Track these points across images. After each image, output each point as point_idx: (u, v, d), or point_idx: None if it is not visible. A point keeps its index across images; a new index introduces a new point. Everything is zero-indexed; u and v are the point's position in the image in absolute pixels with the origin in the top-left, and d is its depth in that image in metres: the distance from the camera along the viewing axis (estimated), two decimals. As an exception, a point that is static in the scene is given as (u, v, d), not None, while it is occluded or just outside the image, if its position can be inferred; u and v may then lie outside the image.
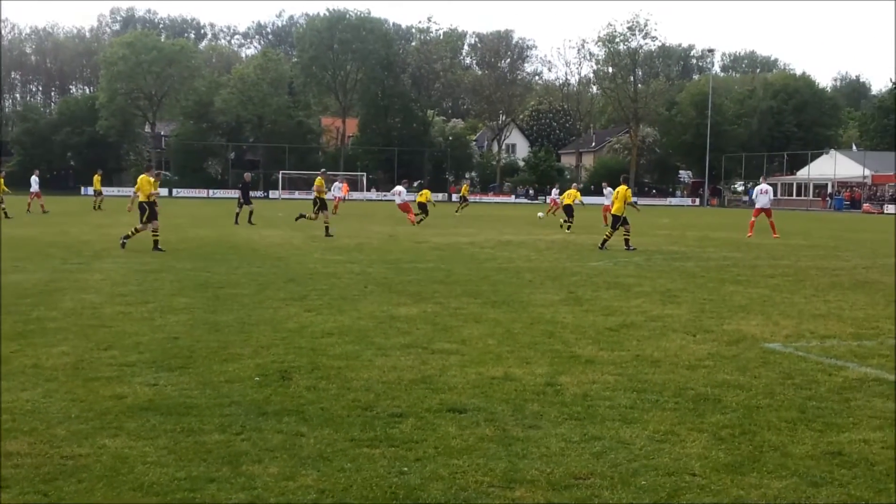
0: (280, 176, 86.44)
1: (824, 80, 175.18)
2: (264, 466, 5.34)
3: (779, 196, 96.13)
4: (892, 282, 16.24)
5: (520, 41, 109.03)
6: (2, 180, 35.34)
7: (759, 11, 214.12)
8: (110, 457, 5.46)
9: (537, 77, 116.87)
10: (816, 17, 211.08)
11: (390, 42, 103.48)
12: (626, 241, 23.29)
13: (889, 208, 77.93)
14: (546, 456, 5.63)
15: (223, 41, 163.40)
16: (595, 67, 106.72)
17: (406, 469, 5.34)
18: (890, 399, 7.19)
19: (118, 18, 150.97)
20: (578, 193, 33.86)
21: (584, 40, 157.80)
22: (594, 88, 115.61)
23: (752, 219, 31.57)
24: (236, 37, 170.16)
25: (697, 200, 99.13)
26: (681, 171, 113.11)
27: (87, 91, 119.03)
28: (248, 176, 36.57)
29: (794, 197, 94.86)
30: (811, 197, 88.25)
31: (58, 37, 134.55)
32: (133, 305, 11.60)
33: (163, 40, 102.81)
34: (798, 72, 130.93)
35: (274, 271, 16.33)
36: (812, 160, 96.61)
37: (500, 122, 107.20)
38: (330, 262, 18.26)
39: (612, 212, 23.85)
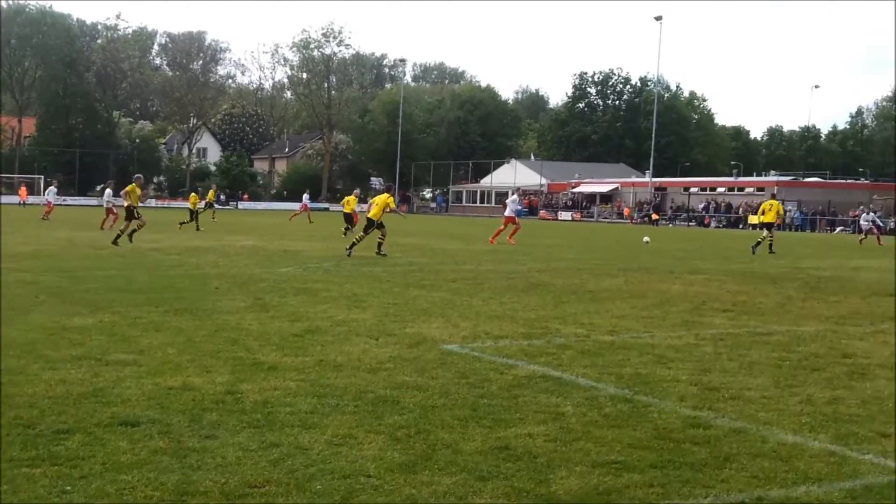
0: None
1: (507, 92, 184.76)
2: None
3: (464, 203, 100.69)
4: (561, 283, 17.39)
5: (213, 43, 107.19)
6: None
7: (449, 24, 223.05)
8: None
9: (230, 80, 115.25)
10: (500, 32, 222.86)
11: (73, 38, 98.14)
12: (380, 244, 23.76)
13: (563, 215, 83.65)
14: (222, 466, 5.51)
15: None
16: (290, 73, 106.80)
17: (69, 488, 5.03)
18: (553, 394, 7.67)
19: None
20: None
21: (277, 45, 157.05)
22: (288, 94, 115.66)
23: (502, 227, 31.82)
24: None
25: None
26: (372, 178, 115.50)
27: None
28: None
29: (479, 204, 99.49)
30: (493, 204, 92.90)
31: None
32: None
33: None
34: (483, 84, 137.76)
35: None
36: (495, 169, 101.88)
37: (190, 125, 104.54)
38: (-2, 271, 16.95)
39: (368, 216, 24.11)
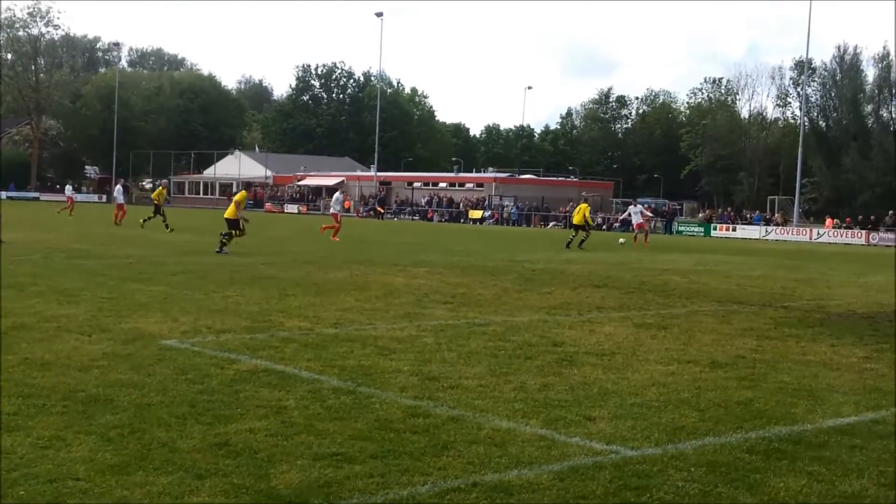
0: None
1: (230, 82, 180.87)
2: None
3: (186, 194, 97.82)
4: (286, 276, 17.26)
5: None
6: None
7: (167, 8, 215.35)
8: None
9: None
10: (221, 19, 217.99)
11: None
12: (223, 244, 22.93)
13: (290, 208, 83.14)
14: None
15: None
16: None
17: None
18: (276, 388, 7.60)
19: None
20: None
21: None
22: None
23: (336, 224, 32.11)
24: None
25: (105, 197, 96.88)
26: (87, 167, 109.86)
27: None
28: None
29: (202, 195, 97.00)
30: (217, 196, 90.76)
31: None
32: None
33: None
34: (205, 72, 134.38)
35: None
36: (218, 160, 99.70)
37: None
38: None
39: (225, 216, 23.51)
